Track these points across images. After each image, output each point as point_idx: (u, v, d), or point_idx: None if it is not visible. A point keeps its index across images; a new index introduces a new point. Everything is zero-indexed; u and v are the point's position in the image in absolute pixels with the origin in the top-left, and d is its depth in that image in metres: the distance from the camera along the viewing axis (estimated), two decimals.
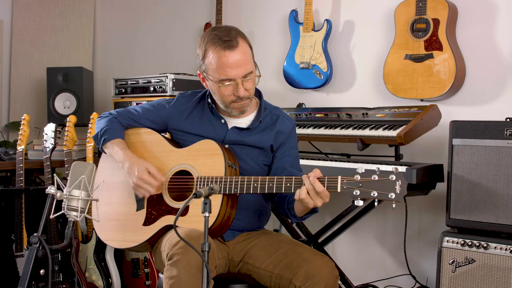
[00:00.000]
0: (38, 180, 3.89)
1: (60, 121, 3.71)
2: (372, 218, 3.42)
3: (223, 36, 2.05)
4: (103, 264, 3.17)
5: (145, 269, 3.33)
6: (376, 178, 1.79)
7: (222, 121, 2.25)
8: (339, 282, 3.08)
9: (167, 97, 2.41)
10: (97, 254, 3.16)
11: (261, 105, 2.28)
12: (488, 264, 2.43)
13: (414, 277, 3.18)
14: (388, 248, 3.43)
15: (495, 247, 2.42)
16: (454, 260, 2.51)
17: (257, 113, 2.27)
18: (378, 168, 1.82)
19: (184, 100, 2.31)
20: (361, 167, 1.83)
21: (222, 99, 2.14)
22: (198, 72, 2.19)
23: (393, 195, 1.76)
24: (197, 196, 1.67)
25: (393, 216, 3.36)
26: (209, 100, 2.26)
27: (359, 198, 1.81)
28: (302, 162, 2.96)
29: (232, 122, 2.24)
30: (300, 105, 3.62)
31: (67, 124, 3.21)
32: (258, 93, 2.31)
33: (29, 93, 4.56)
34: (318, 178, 1.86)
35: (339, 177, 1.84)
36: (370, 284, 3.33)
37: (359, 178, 1.81)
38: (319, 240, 3.09)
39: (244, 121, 2.25)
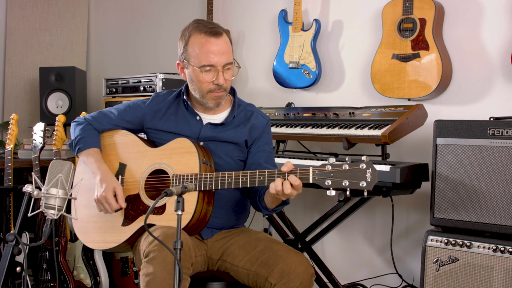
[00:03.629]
0: (30, 179, 3.91)
1: (52, 120, 3.71)
2: (360, 217, 3.43)
3: (208, 24, 2.14)
4: (91, 262, 3.19)
5: (134, 268, 3.35)
6: (347, 167, 1.81)
7: (197, 117, 2.27)
8: (326, 281, 3.09)
9: (143, 97, 2.42)
10: (85, 253, 3.17)
11: (235, 101, 2.31)
12: (471, 263, 2.43)
13: (400, 276, 3.19)
14: (376, 247, 3.43)
15: (478, 246, 2.42)
16: (438, 259, 2.52)
17: (231, 109, 2.30)
18: (349, 158, 1.83)
19: (159, 100, 2.33)
20: (332, 158, 1.85)
21: (201, 87, 2.17)
22: (178, 62, 2.22)
23: (364, 184, 1.78)
24: (167, 194, 1.68)
25: (381, 215, 3.37)
26: (184, 97, 2.28)
27: (331, 188, 1.83)
28: (291, 161, 2.97)
29: (206, 119, 2.27)
30: (289, 104, 3.64)
31: (56, 124, 3.23)
32: (232, 91, 2.33)
33: (23, 92, 4.58)
34: (290, 171, 1.88)
35: (311, 168, 1.86)
36: (358, 283, 3.34)
37: (330, 168, 1.83)
38: (307, 239, 3.10)
39: (218, 117, 2.28)
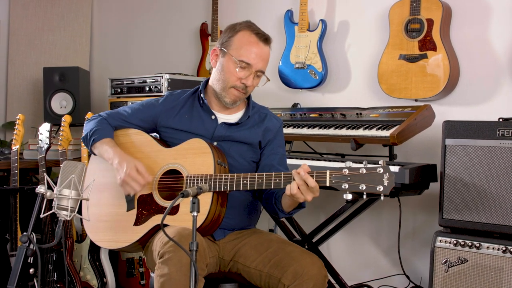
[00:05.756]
0: (34, 180, 3.89)
1: (56, 121, 3.72)
2: (366, 218, 3.43)
3: (260, 30, 2.23)
4: (97, 263, 3.18)
5: (140, 269, 3.34)
6: (364, 171, 1.81)
7: (213, 117, 2.28)
8: (333, 282, 3.09)
9: (149, 98, 2.42)
10: (92, 254, 3.16)
11: (250, 103, 2.33)
12: (480, 264, 2.43)
13: (408, 277, 3.18)
14: (383, 248, 3.43)
15: (488, 247, 2.42)
16: (447, 260, 2.52)
17: (246, 109, 2.32)
18: (366, 162, 1.83)
19: (173, 98, 2.34)
20: (349, 162, 1.85)
21: (227, 79, 2.19)
22: (215, 48, 2.25)
23: (381, 188, 1.78)
24: (184, 195, 1.67)
25: (388, 216, 3.37)
26: (202, 94, 2.29)
27: (347, 192, 1.83)
28: (297, 162, 2.97)
29: (221, 118, 2.28)
30: (295, 105, 3.63)
31: (62, 124, 3.21)
32: None
33: (26, 93, 4.57)
34: (307, 173, 1.87)
35: (328, 171, 1.86)
36: (364, 283, 3.34)
37: (347, 172, 1.83)
38: (314, 240, 3.10)
39: (233, 117, 2.30)
